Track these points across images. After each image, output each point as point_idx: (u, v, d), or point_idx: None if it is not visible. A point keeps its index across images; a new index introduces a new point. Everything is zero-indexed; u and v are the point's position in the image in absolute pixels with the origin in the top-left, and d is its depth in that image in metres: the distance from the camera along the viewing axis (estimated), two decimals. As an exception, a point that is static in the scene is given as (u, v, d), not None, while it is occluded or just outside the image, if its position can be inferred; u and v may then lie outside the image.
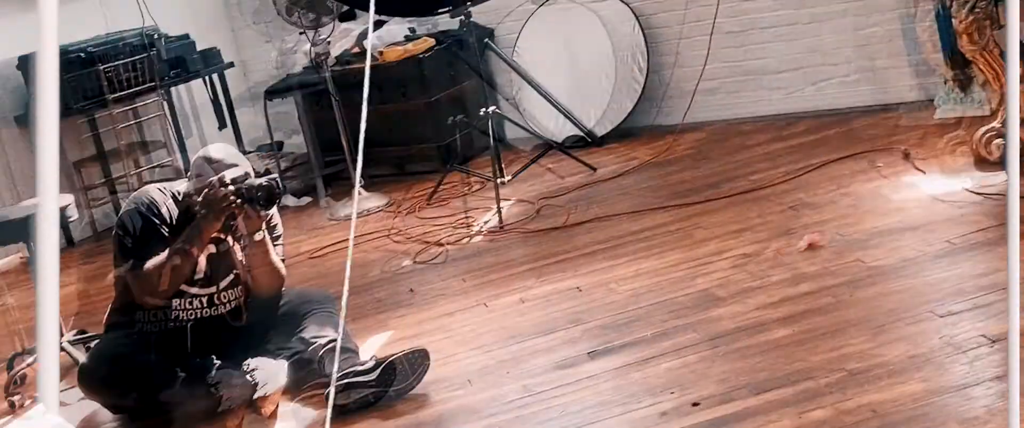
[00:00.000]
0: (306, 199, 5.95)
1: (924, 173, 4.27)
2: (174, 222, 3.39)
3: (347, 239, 5.03)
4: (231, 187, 3.28)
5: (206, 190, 3.30)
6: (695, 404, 2.78)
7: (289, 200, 5.80)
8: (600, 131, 5.87)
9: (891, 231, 3.74)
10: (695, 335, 3.20)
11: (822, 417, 2.60)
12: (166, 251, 3.30)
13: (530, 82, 5.95)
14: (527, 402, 2.99)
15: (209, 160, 3.42)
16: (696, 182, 4.84)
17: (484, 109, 5.34)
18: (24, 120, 5.68)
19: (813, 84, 5.63)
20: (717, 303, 3.42)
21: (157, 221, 3.36)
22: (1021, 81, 3.24)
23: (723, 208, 4.38)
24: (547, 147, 5.59)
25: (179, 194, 3.46)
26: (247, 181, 3.34)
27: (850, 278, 3.40)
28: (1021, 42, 2.54)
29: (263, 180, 3.34)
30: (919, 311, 3.07)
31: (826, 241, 3.74)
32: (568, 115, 5.87)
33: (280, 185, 3.39)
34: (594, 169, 5.36)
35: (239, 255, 3.43)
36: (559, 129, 5.95)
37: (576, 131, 5.88)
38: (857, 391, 2.68)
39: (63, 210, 3.85)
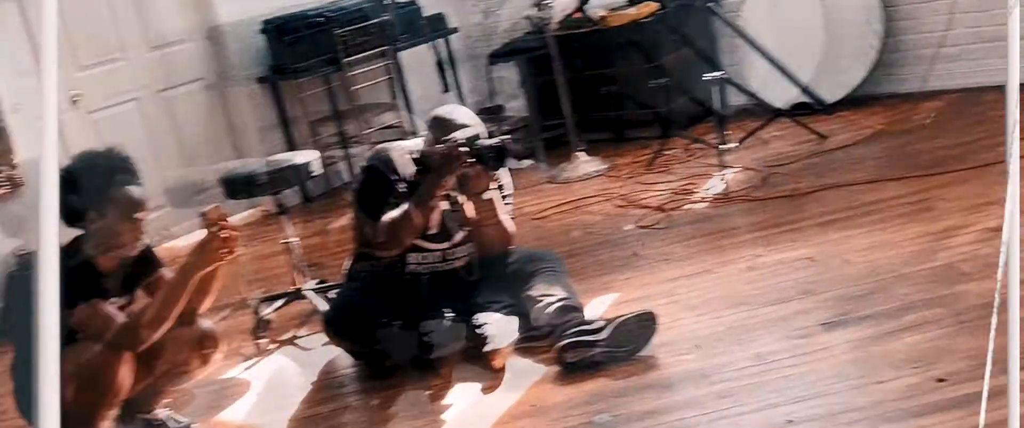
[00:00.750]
0: (527, 162, 6.02)
1: None
2: (409, 179, 3.50)
3: (568, 201, 5.07)
4: (464, 147, 3.36)
5: (440, 148, 3.39)
6: (941, 380, 2.66)
7: (510, 163, 5.86)
8: (830, 98, 5.67)
9: None
10: (939, 310, 3.05)
11: (1085, 401, 2.43)
12: (402, 206, 3.41)
13: (756, 47, 5.79)
14: (760, 370, 2.93)
15: (443, 120, 3.52)
16: (935, 153, 4.61)
17: (707, 74, 5.24)
18: (265, 80, 5.99)
19: (1067, 51, 5.24)
20: (962, 278, 3.25)
21: (394, 177, 3.48)
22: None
23: (965, 180, 4.16)
24: (773, 114, 5.43)
25: (415, 152, 3.57)
26: (479, 141, 3.41)
27: (1114, 257, 3.16)
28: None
29: (494, 140, 3.41)
30: None
31: (1085, 217, 3.49)
32: (796, 81, 5.68)
33: (510, 146, 3.45)
34: (824, 137, 5.19)
35: (471, 212, 3.51)
36: (784, 96, 5.78)
37: (802, 98, 5.70)
38: (1124, 377, 2.49)
39: (307, 165, 4.05)
